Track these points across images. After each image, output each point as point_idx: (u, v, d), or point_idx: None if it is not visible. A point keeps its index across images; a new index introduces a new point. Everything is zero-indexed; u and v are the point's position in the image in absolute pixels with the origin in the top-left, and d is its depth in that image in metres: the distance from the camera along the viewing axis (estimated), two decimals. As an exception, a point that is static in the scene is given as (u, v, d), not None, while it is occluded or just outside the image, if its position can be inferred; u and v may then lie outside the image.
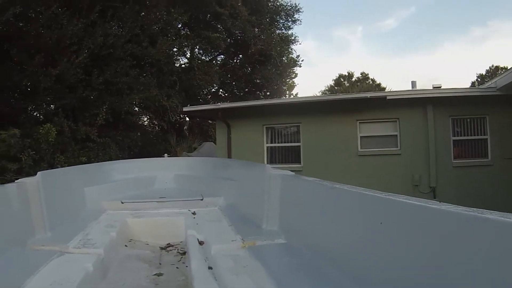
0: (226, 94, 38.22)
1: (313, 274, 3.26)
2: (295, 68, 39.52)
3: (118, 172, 8.54)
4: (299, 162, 18.51)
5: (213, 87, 35.50)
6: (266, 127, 19.25)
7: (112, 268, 4.25)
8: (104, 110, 19.24)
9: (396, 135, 17.72)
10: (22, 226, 4.75)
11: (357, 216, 3.26)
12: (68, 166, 14.26)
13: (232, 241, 4.44)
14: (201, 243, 4.56)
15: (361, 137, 18.09)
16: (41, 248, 4.43)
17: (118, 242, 4.97)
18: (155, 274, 4.15)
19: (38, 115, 19.41)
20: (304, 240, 4.03)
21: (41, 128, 16.14)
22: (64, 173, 7.27)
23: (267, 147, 19.19)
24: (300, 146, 18.69)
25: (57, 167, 14.57)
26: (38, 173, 5.48)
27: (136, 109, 25.49)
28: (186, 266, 4.23)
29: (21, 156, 15.13)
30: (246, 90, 37.47)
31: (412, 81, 21.25)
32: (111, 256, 4.41)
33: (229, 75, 36.68)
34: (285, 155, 18.96)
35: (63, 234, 4.86)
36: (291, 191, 4.75)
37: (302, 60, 40.22)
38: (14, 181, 5.14)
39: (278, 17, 35.97)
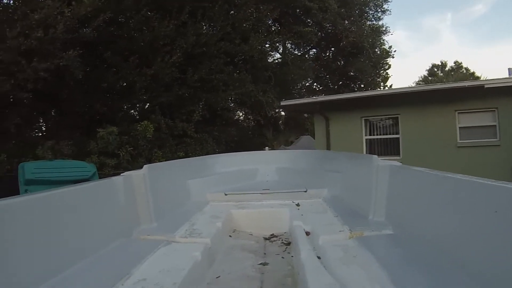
0: (320, 88, 37.07)
1: (424, 266, 3.03)
2: (387, 59, 37.42)
3: (220, 165, 8.50)
4: (398, 154, 17.30)
5: (307, 81, 34.44)
6: (364, 119, 18.18)
7: (218, 257, 4.32)
8: (201, 106, 19.25)
9: (495, 126, 15.81)
10: (128, 217, 4.86)
11: (470, 205, 3.00)
12: (166, 161, 13.80)
13: (340, 231, 4.25)
14: (307, 233, 4.44)
15: (460, 128, 16.38)
16: (147, 238, 4.54)
17: (223, 233, 4.98)
18: (260, 264, 4.15)
19: (134, 113, 19.63)
20: (413, 231, 3.81)
21: (139, 125, 16.13)
22: (168, 166, 7.20)
23: (366, 139, 18.16)
24: (399, 138, 17.47)
25: (155, 162, 14.14)
26: (144, 166, 5.55)
27: (232, 104, 24.87)
28: (292, 256, 4.26)
29: (119, 152, 15.17)
30: (340, 83, 36.18)
31: (508, 69, 19.05)
32: (217, 245, 4.45)
33: (322, 69, 35.42)
34: (384, 147, 17.85)
35: (168, 225, 4.94)
36: (399, 182, 4.50)
37: (395, 51, 38.13)
38: (120, 174, 5.14)
39: (367, 8, 34.23)
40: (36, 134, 17.44)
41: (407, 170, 4.49)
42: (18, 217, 3.21)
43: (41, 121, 17.75)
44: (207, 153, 17.58)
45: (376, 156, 5.22)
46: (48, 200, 3.71)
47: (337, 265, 3.21)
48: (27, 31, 13.90)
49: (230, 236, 5.21)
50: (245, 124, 30.33)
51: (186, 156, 17.04)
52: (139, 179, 5.27)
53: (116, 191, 4.82)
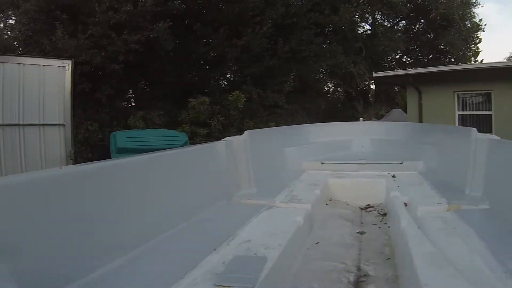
0: (410, 61, 34.64)
1: None
2: (478, 32, 34.27)
3: (315, 135, 8.30)
4: (490, 132, 14.96)
5: (397, 53, 32.21)
6: (457, 94, 16.39)
7: (316, 223, 4.33)
8: (292, 77, 18.08)
9: None
10: (229, 182, 4.91)
11: None
12: (257, 131, 13.24)
13: (438, 204, 4.17)
14: (405, 204, 4.33)
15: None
16: (248, 202, 4.63)
17: (321, 200, 4.95)
18: (358, 232, 4.14)
19: (225, 83, 19.21)
20: None
21: (230, 95, 15.65)
22: (267, 133, 7.32)
23: (459, 114, 16.35)
24: (491, 115, 15.53)
25: None
26: (245, 131, 5.67)
27: (323, 76, 23.54)
28: (388, 227, 4.25)
29: (210, 121, 14.81)
30: (430, 56, 33.59)
31: None
32: (316, 212, 4.43)
33: (412, 41, 33.03)
34: (476, 124, 15.32)
35: (268, 190, 5.00)
36: (498, 156, 4.30)
37: (485, 25, 34.87)
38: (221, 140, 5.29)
39: (456, -22, 31.32)
40: (127, 105, 17.53)
41: (507, 145, 4.34)
42: (130, 176, 3.39)
43: (131, 92, 17.82)
44: (298, 124, 16.52)
45: (475, 129, 5.06)
46: (155, 161, 3.89)
47: (437, 236, 3.17)
48: (116, 5, 14.16)
49: (326, 204, 5.18)
50: (335, 96, 29.04)
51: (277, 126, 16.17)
52: (240, 145, 5.34)
53: (218, 156, 4.92)
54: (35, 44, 14.86)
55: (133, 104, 17.16)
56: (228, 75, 18.83)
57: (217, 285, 2.52)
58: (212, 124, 14.61)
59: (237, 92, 15.53)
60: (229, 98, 15.39)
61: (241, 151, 5.31)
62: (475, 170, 4.57)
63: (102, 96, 13.78)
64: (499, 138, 4.77)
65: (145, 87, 17.28)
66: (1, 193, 2.47)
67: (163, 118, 14.17)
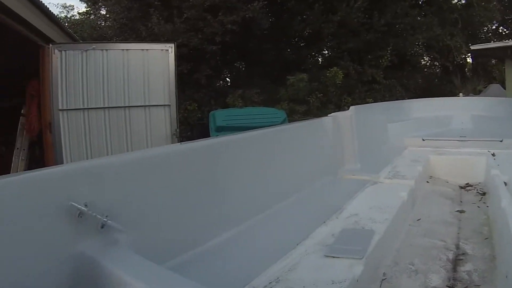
0: (506, 32, 31.93)
1: None
2: None
3: (416, 111, 8.29)
4: None
5: (493, 24, 29.70)
6: None
7: (418, 200, 4.31)
8: (389, 52, 16.94)
9: None
10: (335, 157, 5.10)
11: None
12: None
13: None
14: (505, 184, 4.06)
15: None
16: (353, 177, 4.78)
17: (422, 177, 4.85)
18: (457, 211, 4.09)
19: (322, 60, 18.41)
20: None
21: (328, 71, 14.83)
22: (371, 109, 7.33)
23: None
24: None
25: (344, 109, 12.65)
26: (351, 107, 5.81)
27: (419, 50, 22.04)
28: (487, 206, 4.15)
29: (308, 98, 14.12)
30: (528, 26, 30.77)
31: None
32: (418, 189, 4.38)
33: (507, 10, 30.39)
34: None
35: (372, 166, 5.00)
36: None
37: None
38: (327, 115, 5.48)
39: None
40: (225, 84, 17.34)
41: None
42: (244, 151, 3.59)
43: (227, 72, 17.59)
44: (396, 100, 15.24)
45: None
46: (266, 137, 4.07)
47: None
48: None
49: (427, 182, 5.12)
50: (431, 70, 27.21)
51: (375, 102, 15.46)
52: (346, 120, 5.44)
53: (325, 131, 5.14)
54: (131, 31, 15.13)
55: (231, 84, 16.91)
56: (324, 51, 18.03)
57: (327, 256, 2.61)
58: (311, 101, 13.96)
59: (335, 68, 14.77)
60: (327, 74, 14.65)
61: (347, 126, 5.42)
62: None
63: (200, 77, 13.69)
64: None
65: (242, 66, 17.07)
66: (127, 168, 2.67)
67: (261, 96, 13.81)
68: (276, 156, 4.02)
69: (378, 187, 4.20)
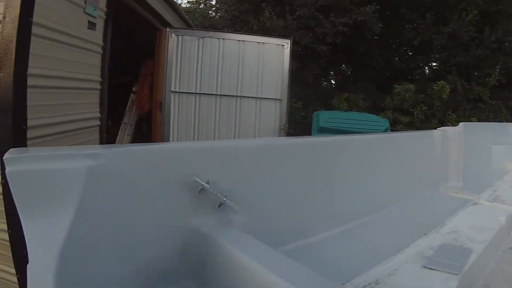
0: None
1: None
2: None
3: None
4: None
5: None
6: None
7: None
8: (497, 70, 15.62)
9: None
10: (439, 172, 5.05)
11: None
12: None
13: None
14: None
15: None
16: (454, 195, 4.68)
17: None
18: None
19: (429, 71, 17.39)
20: None
21: (435, 84, 14.04)
22: (479, 127, 6.98)
23: None
24: None
25: (448, 125, 11.85)
26: (461, 123, 5.62)
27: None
28: None
29: (413, 110, 13.46)
30: None
31: None
32: None
33: None
34: None
35: (474, 186, 4.82)
36: None
37: None
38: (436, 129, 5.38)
39: None
40: (331, 86, 17.01)
41: None
42: (353, 153, 3.68)
43: (333, 73, 17.22)
44: (500, 122, 14.50)
45: None
46: (375, 142, 4.14)
47: None
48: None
49: None
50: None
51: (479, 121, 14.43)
52: (455, 136, 5.31)
53: (433, 145, 5.04)
54: (242, 23, 15.22)
55: (337, 86, 16.55)
56: (433, 63, 17.07)
57: (425, 267, 2.61)
58: (415, 113, 13.28)
59: (442, 82, 13.96)
60: (434, 87, 13.87)
61: (455, 143, 5.30)
62: None
63: (308, 76, 13.47)
64: None
65: (349, 70, 16.63)
66: (250, 153, 2.77)
67: (367, 102, 13.41)
68: (383, 162, 4.09)
69: (478, 208, 4.10)
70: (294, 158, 3.10)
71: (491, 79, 15.52)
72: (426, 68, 17.45)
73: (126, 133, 8.20)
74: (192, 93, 7.92)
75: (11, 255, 3.25)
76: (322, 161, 3.33)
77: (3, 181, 3.01)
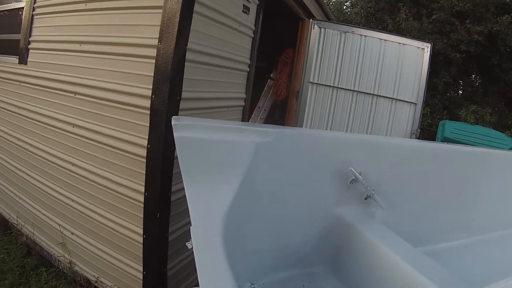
0: None
1: None
2: None
3: None
4: None
5: None
6: None
7: None
8: None
9: None
10: None
11: None
12: None
13: None
14: None
15: None
16: None
17: None
18: None
19: None
20: None
21: None
22: None
23: None
24: None
25: None
26: None
27: None
28: None
29: None
30: None
31: None
32: None
33: None
34: None
35: None
36: None
37: None
38: None
39: None
40: (458, 96, 16.56)
41: None
42: (495, 167, 3.58)
43: (461, 82, 16.64)
44: None
45: None
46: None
47: None
48: (460, -7, 13.55)
49: None
50: None
51: None
52: None
53: None
54: (377, 21, 15.24)
55: (465, 96, 16.22)
56: None
57: None
58: None
59: None
60: None
61: None
62: None
63: (439, 82, 13.37)
64: None
65: (478, 81, 16.22)
66: (403, 151, 2.94)
67: (494, 117, 13.20)
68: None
69: None
70: (441, 164, 3.23)
71: None
72: None
73: (259, 117, 8.67)
74: (329, 86, 8.26)
75: (142, 216, 3.51)
76: (468, 171, 3.41)
77: (148, 146, 3.30)
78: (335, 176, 2.56)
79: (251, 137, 2.27)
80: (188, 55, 3.40)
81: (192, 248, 1.67)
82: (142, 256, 3.59)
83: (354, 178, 2.58)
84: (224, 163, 2.09)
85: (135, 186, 3.56)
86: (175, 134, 2.11)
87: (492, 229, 3.52)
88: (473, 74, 15.52)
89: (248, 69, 5.21)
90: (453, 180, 3.34)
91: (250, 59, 5.18)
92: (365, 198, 2.67)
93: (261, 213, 2.22)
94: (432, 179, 3.19)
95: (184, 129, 2.13)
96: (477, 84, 16.13)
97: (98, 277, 4.08)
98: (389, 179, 2.85)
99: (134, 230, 3.64)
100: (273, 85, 9.02)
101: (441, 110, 13.60)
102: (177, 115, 3.25)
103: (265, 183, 2.25)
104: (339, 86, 8.35)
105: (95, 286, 4.09)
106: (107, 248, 3.96)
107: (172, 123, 2.17)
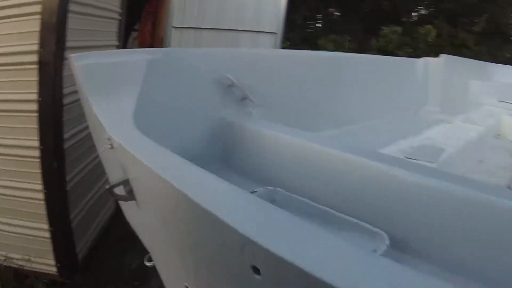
0: None
1: None
2: None
3: (499, 76, 8.02)
4: None
5: None
6: None
7: (484, 146, 4.55)
8: (484, 18, 16.85)
9: None
10: (420, 96, 5.81)
11: None
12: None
13: None
14: None
15: None
16: (433, 116, 5.33)
17: (491, 130, 5.19)
18: None
19: (418, 16, 18.21)
20: None
21: (422, 28, 15.09)
22: (458, 62, 7.29)
23: None
24: None
25: None
26: (442, 55, 6.36)
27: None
28: None
29: (397, 51, 14.21)
30: None
31: None
32: (486, 135, 4.72)
33: None
34: None
35: (450, 111, 5.47)
36: None
37: None
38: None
39: None
40: (318, 28, 17.54)
41: None
42: (355, 69, 4.48)
43: (321, 16, 17.66)
44: None
45: None
46: (364, 61, 4.80)
47: None
48: None
49: (495, 137, 5.36)
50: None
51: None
52: (436, 66, 6.09)
53: (415, 72, 5.80)
54: None
55: (325, 28, 17.08)
56: (421, 8, 17.96)
57: (408, 158, 3.08)
58: (399, 54, 14.14)
59: (429, 26, 14.92)
60: (420, 31, 14.82)
61: (435, 72, 6.03)
62: None
63: (297, 18, 13.97)
64: None
65: (338, 12, 17.17)
66: (271, 60, 3.57)
67: (353, 44, 14.18)
68: (373, 81, 4.69)
69: (452, 125, 4.69)
70: (306, 67, 3.79)
71: (477, 27, 16.55)
72: (414, 12, 18.24)
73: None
74: (193, 28, 8.40)
75: (40, 171, 3.52)
76: (327, 71, 4.06)
77: (40, 99, 3.36)
78: (216, 84, 2.90)
79: (143, 56, 2.56)
80: (71, 7, 3.49)
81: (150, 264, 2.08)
82: (46, 213, 3.64)
83: (231, 83, 2.93)
84: (123, 80, 2.36)
85: (28, 143, 3.53)
86: (76, 64, 2.33)
87: (358, 121, 4.21)
88: (333, 6, 16.48)
89: (120, 17, 5.33)
90: (320, 81, 3.94)
91: (121, 8, 5.29)
92: (241, 99, 3.00)
93: (160, 119, 2.45)
94: (301, 80, 3.70)
95: (83, 58, 2.37)
96: (338, 15, 17.18)
97: (6, 254, 3.95)
98: (262, 83, 3.24)
99: (34, 189, 3.62)
100: (137, 36, 9.03)
101: (301, 42, 14.25)
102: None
103: (159, 95, 2.52)
104: (203, 27, 8.50)
105: (5, 266, 3.94)
106: (10, 219, 3.87)
107: (70, 56, 2.39)
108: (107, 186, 1.63)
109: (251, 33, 8.77)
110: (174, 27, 8.36)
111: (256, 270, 1.01)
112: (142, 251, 2.35)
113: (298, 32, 14.41)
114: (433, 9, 17.10)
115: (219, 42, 8.51)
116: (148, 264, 2.19)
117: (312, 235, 1.04)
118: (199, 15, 8.46)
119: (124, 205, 2.36)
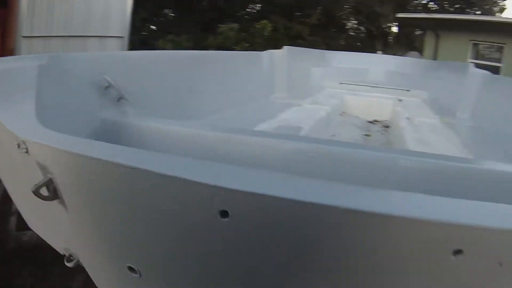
0: (436, 8, 35.03)
1: (496, 147, 3.70)
2: (508, -12, 34.36)
3: (338, 61, 9.09)
4: None
5: (424, -2, 32.68)
6: (472, 43, 17.74)
7: (332, 124, 5.11)
8: (319, 11, 18.90)
9: None
10: (268, 85, 6.21)
11: None
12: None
13: (432, 117, 5.08)
14: (407, 118, 5.05)
15: None
16: (281, 101, 5.77)
17: (337, 109, 5.82)
18: (364, 134, 5.00)
19: (254, 12, 19.86)
20: (491, 122, 4.69)
21: (258, 23, 16.49)
22: (300, 52, 8.12)
23: (470, 62, 17.06)
24: (500, 67, 16.74)
25: None
26: (285, 47, 7.08)
27: (348, 12, 24.47)
28: (389, 133, 5.17)
29: (235, 47, 15.42)
30: (457, 6, 33.82)
31: None
32: (333, 113, 5.30)
33: (441, -13, 33.44)
34: None
35: (297, 96, 5.97)
36: (489, 89, 5.52)
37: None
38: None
39: None
40: (155, 29, 18.31)
41: (499, 79, 5.49)
42: (211, 65, 4.81)
43: (158, 17, 18.48)
44: None
45: (472, 64, 6.33)
46: (212, 57, 5.21)
47: (427, 135, 3.92)
48: None
49: (340, 115, 5.99)
50: (356, 34, 29.59)
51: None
52: (280, 57, 6.75)
53: (261, 64, 6.23)
54: None
55: (163, 29, 17.84)
56: (257, 4, 19.66)
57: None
58: (237, 50, 14.96)
59: (265, 21, 16.49)
60: (256, 26, 16.33)
61: (280, 62, 6.67)
62: (467, 98, 5.78)
63: (135, 19, 13.93)
64: (492, 74, 5.96)
65: (174, 13, 18.22)
66: (143, 61, 3.85)
67: (190, 42, 15.06)
68: (222, 75, 4.99)
69: (301, 108, 5.07)
70: (175, 65, 4.16)
71: (311, 19, 18.62)
72: (250, 9, 19.96)
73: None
74: (42, 36, 8.57)
75: None
76: (189, 68, 4.38)
77: None
78: (97, 86, 3.01)
79: (32, 62, 2.52)
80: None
81: None
82: None
83: (107, 84, 3.04)
84: (16, 86, 2.27)
85: None
86: None
87: (218, 111, 4.49)
88: (173, 7, 17.48)
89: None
90: (185, 76, 4.28)
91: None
92: (118, 100, 3.12)
93: (54, 123, 2.01)
94: (170, 78, 3.98)
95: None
96: (174, 16, 18.27)
97: None
98: (137, 82, 3.45)
99: None
100: (-13, 47, 9.01)
101: (140, 44, 14.68)
102: None
103: (51, 99, 2.48)
104: (52, 35, 8.77)
105: None
106: None
107: None
108: (33, 189, 1.40)
109: (99, 38, 9.41)
110: (23, 36, 8.44)
111: (224, 214, 1.05)
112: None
113: (137, 35, 15.04)
114: (268, 4, 18.78)
115: (68, 49, 8.92)
116: (69, 264, 1.88)
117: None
118: (47, 23, 8.71)
119: (39, 211, 2.00)
